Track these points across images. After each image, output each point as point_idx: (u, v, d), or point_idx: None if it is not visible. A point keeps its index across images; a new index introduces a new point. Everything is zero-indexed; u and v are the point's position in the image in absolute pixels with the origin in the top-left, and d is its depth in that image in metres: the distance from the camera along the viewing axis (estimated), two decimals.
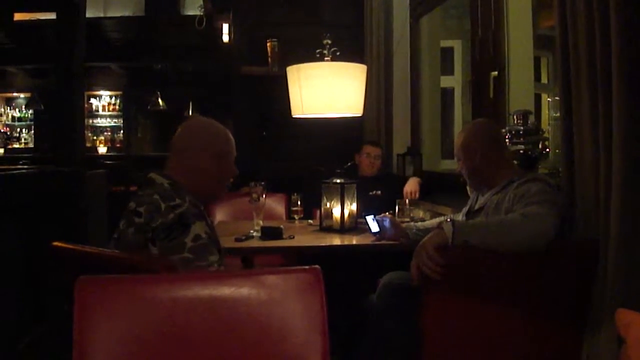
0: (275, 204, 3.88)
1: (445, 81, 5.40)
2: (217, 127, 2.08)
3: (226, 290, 1.38)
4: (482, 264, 1.99)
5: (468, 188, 3.00)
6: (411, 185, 3.86)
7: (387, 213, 3.01)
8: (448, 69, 5.67)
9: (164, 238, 1.76)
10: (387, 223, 2.84)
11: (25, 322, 1.49)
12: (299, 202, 3.41)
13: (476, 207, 2.46)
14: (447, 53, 5.62)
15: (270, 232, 2.90)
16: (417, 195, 3.80)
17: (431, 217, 3.36)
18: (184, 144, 2.01)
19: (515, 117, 2.81)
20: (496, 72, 3.26)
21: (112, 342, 1.26)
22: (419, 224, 2.88)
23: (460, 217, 2.59)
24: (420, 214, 3.69)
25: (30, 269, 1.60)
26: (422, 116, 4.88)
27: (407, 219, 3.31)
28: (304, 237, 3.01)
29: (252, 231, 2.99)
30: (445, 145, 5.22)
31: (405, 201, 3.53)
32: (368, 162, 4.05)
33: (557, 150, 3.05)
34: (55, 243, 1.87)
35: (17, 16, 7.19)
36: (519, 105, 3.10)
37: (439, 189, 3.99)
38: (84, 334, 1.25)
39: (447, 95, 5.65)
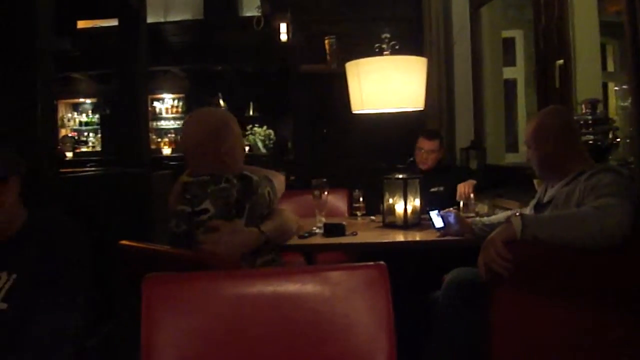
0: (337, 201, 3.86)
1: (508, 72, 5.27)
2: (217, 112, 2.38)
3: (290, 287, 1.38)
4: (552, 259, 1.92)
5: (535, 181, 2.91)
6: (465, 187, 3.55)
7: (451, 208, 2.95)
8: (510, 60, 5.53)
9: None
10: (451, 218, 2.79)
11: (94, 321, 1.54)
12: (361, 199, 3.39)
13: (545, 200, 2.38)
14: (509, 44, 5.48)
15: (332, 229, 2.89)
16: (471, 197, 3.49)
17: (496, 212, 3.28)
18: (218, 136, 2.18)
19: (583, 106, 2.71)
20: (562, 61, 3.16)
21: (179, 338, 1.28)
22: (485, 219, 2.81)
23: (528, 211, 2.52)
24: (486, 209, 3.61)
25: (98, 268, 1.65)
26: (485, 109, 4.78)
27: (472, 214, 3.25)
28: (367, 233, 2.98)
29: (314, 228, 2.99)
30: (509, 138, 5.10)
31: (470, 196, 3.46)
32: (420, 156, 3.82)
33: (627, 140, 2.93)
34: (123, 242, 1.92)
35: (80, 24, 7.44)
36: (585, 95, 2.98)
37: (504, 183, 3.89)
38: (151, 330, 1.27)
39: (509, 86, 5.51)
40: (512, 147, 5.18)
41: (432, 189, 3.68)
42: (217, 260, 1.83)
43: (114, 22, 5.31)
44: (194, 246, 1.98)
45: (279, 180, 2.36)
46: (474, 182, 3.58)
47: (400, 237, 2.95)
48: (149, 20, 5.27)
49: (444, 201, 3.40)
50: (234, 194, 2.04)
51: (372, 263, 1.43)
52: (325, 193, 3.05)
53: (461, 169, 4.36)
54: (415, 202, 3.11)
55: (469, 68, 4.82)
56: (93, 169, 6.29)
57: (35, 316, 1.43)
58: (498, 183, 3.93)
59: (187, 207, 2.06)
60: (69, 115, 10.21)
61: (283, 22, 5.67)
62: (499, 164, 4.52)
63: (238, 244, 1.99)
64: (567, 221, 1.91)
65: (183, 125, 2.26)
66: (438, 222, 2.84)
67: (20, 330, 1.42)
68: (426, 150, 3.80)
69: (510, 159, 4.83)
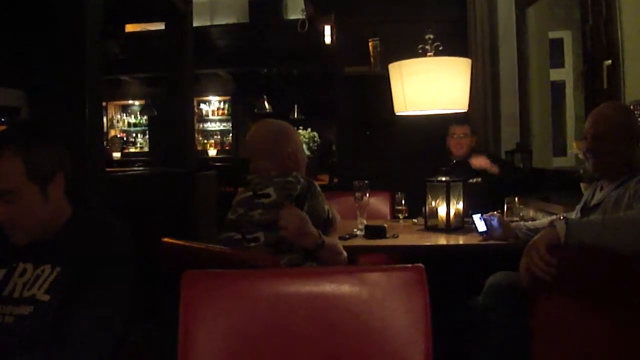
0: (379, 203, 3.85)
1: (555, 74, 5.17)
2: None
3: (327, 287, 1.38)
4: (598, 265, 1.86)
5: (583, 185, 2.84)
6: (479, 161, 3.73)
7: (495, 212, 2.91)
8: (558, 62, 5.42)
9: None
10: (495, 222, 2.75)
11: (137, 316, 1.58)
12: (403, 201, 3.37)
13: (592, 202, 2.31)
14: (557, 44, 5.37)
15: (373, 231, 2.88)
16: (488, 165, 3.68)
17: (542, 217, 3.21)
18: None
19: (632, 107, 2.63)
20: (610, 61, 3.07)
21: (216, 335, 1.29)
22: (529, 223, 2.76)
23: (574, 215, 2.45)
24: (531, 213, 3.54)
25: (142, 265, 1.69)
26: (531, 111, 4.69)
27: (517, 218, 3.19)
28: (408, 236, 2.96)
29: (355, 230, 2.99)
30: (557, 141, 5.00)
31: (515, 199, 3.39)
32: (455, 142, 3.92)
33: None
34: (165, 239, 1.95)
35: (128, 28, 7.61)
36: (634, 96, 2.89)
37: (551, 187, 3.81)
38: (189, 326, 1.29)
39: (557, 88, 5.40)
40: (560, 150, 5.07)
41: (470, 180, 3.63)
42: (257, 259, 1.85)
43: (161, 26, 5.42)
44: (246, 228, 2.05)
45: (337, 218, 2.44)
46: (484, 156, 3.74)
47: (442, 240, 2.92)
48: (196, 23, 5.35)
49: (483, 195, 3.42)
50: (298, 189, 2.11)
51: (410, 265, 1.41)
52: (367, 195, 3.04)
53: (494, 156, 4.28)
54: (458, 206, 3.07)
55: (515, 69, 4.74)
56: (140, 168, 6.42)
57: (76, 310, 1.46)
58: (545, 187, 3.85)
59: (249, 193, 2.14)
60: (118, 116, 10.46)
61: (327, 24, 5.68)
62: (545, 168, 4.43)
63: (305, 232, 2.04)
64: (615, 225, 1.85)
65: (249, 133, 2.36)
66: (481, 226, 2.80)
67: (61, 323, 1.45)
68: (458, 135, 3.92)
69: (558, 162, 4.73)
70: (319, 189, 2.20)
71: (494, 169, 3.67)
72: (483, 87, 4.69)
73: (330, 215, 2.28)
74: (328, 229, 2.29)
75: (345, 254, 2.24)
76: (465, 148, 3.91)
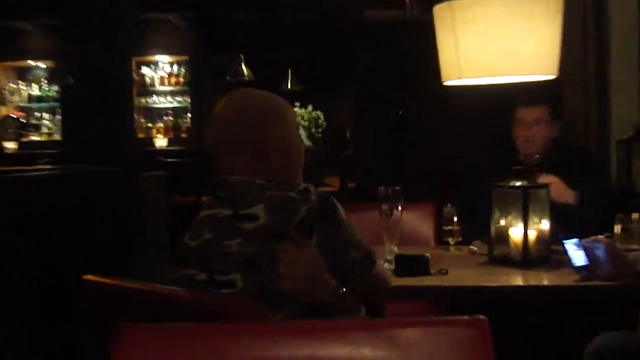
0: (418, 220, 3.85)
1: None
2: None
3: (338, 351, 1.40)
4: None
5: None
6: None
7: (601, 236, 2.90)
8: None
9: None
10: (601, 252, 2.74)
11: None
12: (455, 218, 3.38)
13: None
14: None
15: (409, 264, 2.89)
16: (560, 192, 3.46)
17: None
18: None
19: None
20: None
21: None
22: None
23: None
24: None
25: (55, 309, 1.69)
26: None
27: (636, 246, 3.18)
28: (463, 272, 2.98)
29: (382, 262, 2.99)
30: None
31: (634, 217, 3.39)
32: (522, 132, 3.79)
33: None
34: (88, 276, 1.96)
35: None
36: None
37: None
38: None
39: None
40: None
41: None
42: (234, 307, 1.84)
43: None
44: (216, 264, 2.01)
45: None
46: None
47: (517, 279, 2.95)
48: None
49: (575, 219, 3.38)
50: (302, 211, 2.04)
51: (466, 317, 1.42)
52: (399, 208, 3.05)
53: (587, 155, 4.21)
54: (541, 226, 3.07)
55: (636, 12, 4.74)
56: (48, 166, 6.45)
57: None
58: None
59: (222, 210, 2.09)
60: (12, 85, 10.46)
61: None
62: None
63: (316, 282, 2.02)
64: None
65: (214, 111, 2.29)
66: (579, 258, 2.80)
67: None
68: (529, 121, 3.79)
69: None
70: (341, 211, 2.14)
71: (568, 197, 3.52)
72: (582, 40, 4.70)
73: (362, 254, 2.22)
74: (357, 277, 2.23)
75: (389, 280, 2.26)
76: (539, 143, 3.75)
